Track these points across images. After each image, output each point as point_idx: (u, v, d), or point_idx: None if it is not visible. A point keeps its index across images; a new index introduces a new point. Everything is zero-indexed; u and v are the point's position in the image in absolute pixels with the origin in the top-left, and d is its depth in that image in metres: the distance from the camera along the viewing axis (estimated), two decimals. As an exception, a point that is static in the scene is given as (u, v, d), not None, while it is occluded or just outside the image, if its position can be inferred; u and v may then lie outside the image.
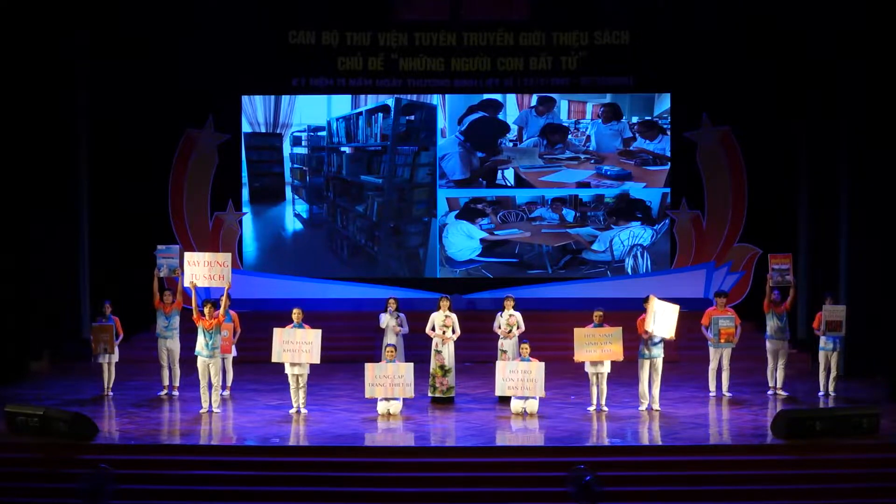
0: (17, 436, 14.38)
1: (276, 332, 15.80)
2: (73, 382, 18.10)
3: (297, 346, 15.63)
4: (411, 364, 15.80)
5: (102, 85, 20.60)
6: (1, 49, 18.71)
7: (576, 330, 15.90)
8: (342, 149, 22.06)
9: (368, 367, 15.68)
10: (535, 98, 21.71)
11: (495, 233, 21.94)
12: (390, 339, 16.86)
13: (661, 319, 15.54)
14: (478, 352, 18.97)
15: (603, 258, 22.01)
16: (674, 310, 15.59)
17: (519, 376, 15.51)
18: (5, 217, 18.95)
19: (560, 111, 21.79)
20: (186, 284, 15.97)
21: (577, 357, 15.86)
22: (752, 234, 21.53)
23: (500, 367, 15.83)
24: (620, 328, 15.88)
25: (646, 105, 21.84)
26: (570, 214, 21.96)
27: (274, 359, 15.79)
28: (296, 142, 22.07)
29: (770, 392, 17.08)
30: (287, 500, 13.03)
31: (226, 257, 16.09)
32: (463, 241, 21.98)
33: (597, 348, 15.75)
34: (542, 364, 15.54)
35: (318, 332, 15.75)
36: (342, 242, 22.13)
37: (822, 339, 16.86)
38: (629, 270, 21.96)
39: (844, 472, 13.47)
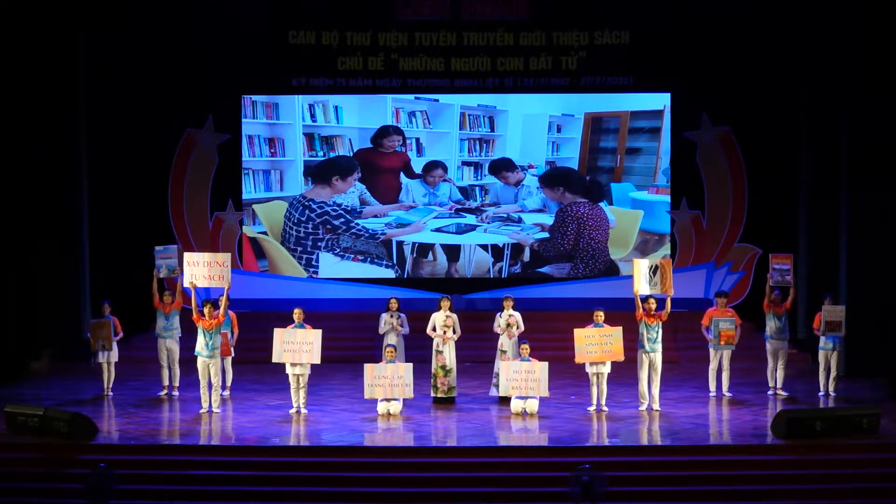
0: (17, 436, 14.38)
1: (277, 332, 15.80)
2: (73, 382, 18.10)
3: (298, 347, 15.65)
4: (410, 364, 15.80)
5: (102, 85, 20.59)
6: (3, 46, 18.70)
7: (576, 331, 15.90)
8: (342, 149, 22.06)
9: (367, 367, 15.67)
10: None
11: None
12: (390, 339, 16.83)
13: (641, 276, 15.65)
14: (478, 352, 18.94)
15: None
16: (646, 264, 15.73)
17: (522, 376, 15.51)
18: (5, 217, 18.95)
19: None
20: (186, 284, 16.00)
21: (578, 359, 15.85)
22: (752, 234, 21.51)
23: (504, 367, 15.84)
24: (620, 328, 15.88)
25: (646, 105, 21.80)
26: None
27: (275, 359, 15.80)
28: (296, 141, 22.05)
29: (770, 392, 17.08)
30: (287, 500, 13.03)
31: (225, 257, 16.10)
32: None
33: (597, 349, 15.74)
34: (546, 364, 15.54)
35: (319, 332, 15.76)
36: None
37: (822, 339, 16.88)
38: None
39: (844, 472, 13.47)
